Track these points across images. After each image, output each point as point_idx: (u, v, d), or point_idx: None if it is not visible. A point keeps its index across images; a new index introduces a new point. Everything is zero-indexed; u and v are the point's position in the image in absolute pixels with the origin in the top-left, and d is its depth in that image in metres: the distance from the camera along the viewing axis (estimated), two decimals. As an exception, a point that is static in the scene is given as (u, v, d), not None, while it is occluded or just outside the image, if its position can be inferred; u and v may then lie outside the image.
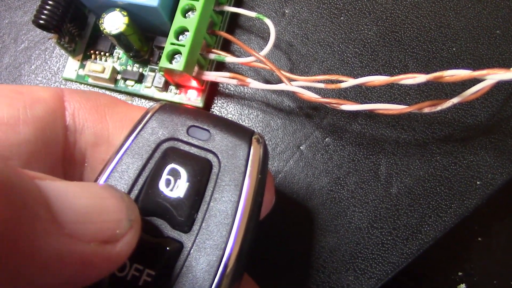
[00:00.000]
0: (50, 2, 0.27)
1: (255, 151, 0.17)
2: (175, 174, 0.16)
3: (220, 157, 0.17)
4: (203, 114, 0.18)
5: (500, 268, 0.32)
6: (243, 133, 0.17)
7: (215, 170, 0.16)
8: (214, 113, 0.29)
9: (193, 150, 0.17)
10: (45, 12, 0.27)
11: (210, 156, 0.17)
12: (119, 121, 0.19)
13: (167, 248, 0.15)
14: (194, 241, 0.16)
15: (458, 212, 0.26)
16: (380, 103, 0.27)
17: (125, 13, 0.26)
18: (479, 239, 0.32)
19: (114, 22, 0.26)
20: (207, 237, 0.16)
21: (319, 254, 0.26)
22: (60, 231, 0.12)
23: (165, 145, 0.17)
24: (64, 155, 0.19)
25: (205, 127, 0.17)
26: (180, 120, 0.17)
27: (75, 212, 0.13)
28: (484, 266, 0.32)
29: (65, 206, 0.12)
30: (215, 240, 0.15)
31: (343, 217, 0.26)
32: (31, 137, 0.17)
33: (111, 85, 0.29)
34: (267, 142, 0.28)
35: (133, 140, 0.17)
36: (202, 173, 0.16)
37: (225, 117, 0.29)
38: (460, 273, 0.32)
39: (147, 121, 0.17)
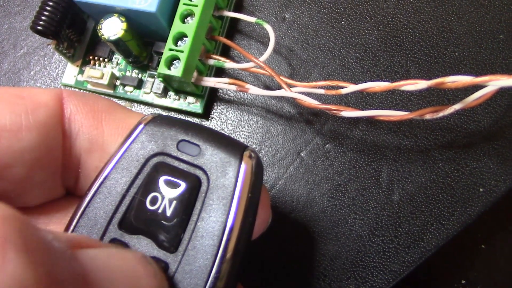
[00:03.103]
0: (48, 8, 0.27)
1: (246, 168, 0.16)
2: (163, 191, 0.16)
3: (209, 174, 0.16)
4: (195, 127, 0.17)
5: (504, 276, 0.31)
6: (234, 149, 0.16)
7: (203, 187, 0.16)
8: (213, 119, 0.29)
9: (182, 166, 0.16)
10: (43, 18, 0.27)
11: (199, 173, 0.16)
12: (115, 128, 0.19)
13: None
14: (180, 262, 0.15)
15: (461, 219, 0.25)
16: (381, 109, 0.27)
17: (124, 19, 0.26)
18: (482, 246, 0.32)
19: (112, 28, 0.26)
20: (193, 258, 0.15)
21: (320, 262, 0.26)
22: None
23: (155, 160, 0.16)
24: (62, 161, 0.18)
25: (195, 141, 0.16)
26: (171, 134, 0.17)
27: None
28: (487, 274, 0.31)
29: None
30: (200, 262, 0.15)
31: (344, 224, 0.26)
32: (34, 144, 0.17)
33: (110, 91, 0.29)
34: (267, 148, 0.28)
35: (122, 155, 0.16)
36: (190, 191, 0.16)
37: (225, 123, 0.29)
38: (463, 281, 0.31)
39: (137, 134, 0.17)
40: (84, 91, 0.30)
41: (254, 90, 0.25)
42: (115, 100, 0.30)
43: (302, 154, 0.27)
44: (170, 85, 0.27)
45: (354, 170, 0.26)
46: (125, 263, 0.13)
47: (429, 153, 0.26)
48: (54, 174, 0.18)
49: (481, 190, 0.25)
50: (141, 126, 0.17)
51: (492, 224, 0.32)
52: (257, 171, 0.17)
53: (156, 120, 0.17)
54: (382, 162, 0.26)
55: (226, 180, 0.16)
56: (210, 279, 0.15)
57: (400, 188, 0.26)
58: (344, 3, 0.29)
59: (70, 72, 0.30)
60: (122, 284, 0.13)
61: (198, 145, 0.16)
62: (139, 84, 0.29)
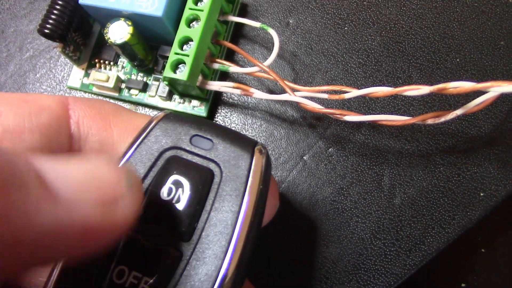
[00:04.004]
0: (55, 11, 0.27)
1: (257, 161, 0.17)
2: (177, 183, 0.16)
3: (222, 167, 0.17)
4: (207, 123, 0.18)
5: (504, 280, 0.32)
6: (246, 144, 0.17)
7: (216, 179, 0.16)
8: (217, 122, 0.29)
9: (196, 159, 0.17)
10: (50, 21, 0.27)
11: (212, 166, 0.17)
12: (124, 128, 0.19)
13: (166, 256, 0.15)
14: (194, 250, 0.16)
15: (462, 223, 0.25)
16: (383, 114, 0.27)
17: (130, 23, 0.26)
18: (483, 250, 0.32)
19: (118, 32, 0.26)
20: (206, 246, 0.16)
21: (322, 265, 0.26)
22: (55, 199, 0.11)
23: (168, 154, 0.17)
24: None
25: (208, 136, 0.17)
26: (184, 129, 0.17)
27: (69, 179, 0.12)
28: (487, 278, 0.31)
29: (58, 175, 0.12)
30: (214, 250, 0.15)
31: (346, 227, 0.26)
32: (37, 145, 0.17)
33: (115, 94, 0.30)
34: (270, 152, 0.28)
35: (136, 148, 0.17)
36: (203, 183, 0.16)
37: (229, 127, 0.29)
38: (463, 285, 0.31)
39: (151, 130, 0.17)
40: (90, 94, 0.30)
41: (258, 94, 0.26)
42: (120, 103, 0.30)
43: (305, 157, 0.28)
44: (175, 88, 0.27)
45: (356, 174, 0.27)
46: (81, 158, 0.13)
47: (431, 158, 0.26)
48: None
49: (481, 194, 0.26)
50: (154, 123, 0.17)
51: (492, 228, 0.32)
52: (267, 165, 0.17)
53: (169, 117, 0.18)
54: (384, 166, 0.27)
55: (239, 172, 0.16)
56: (223, 266, 0.15)
57: (401, 192, 0.26)
58: (347, 9, 0.30)
59: (75, 75, 0.31)
60: (82, 173, 0.13)
61: (211, 140, 0.17)
62: (144, 88, 0.29)
